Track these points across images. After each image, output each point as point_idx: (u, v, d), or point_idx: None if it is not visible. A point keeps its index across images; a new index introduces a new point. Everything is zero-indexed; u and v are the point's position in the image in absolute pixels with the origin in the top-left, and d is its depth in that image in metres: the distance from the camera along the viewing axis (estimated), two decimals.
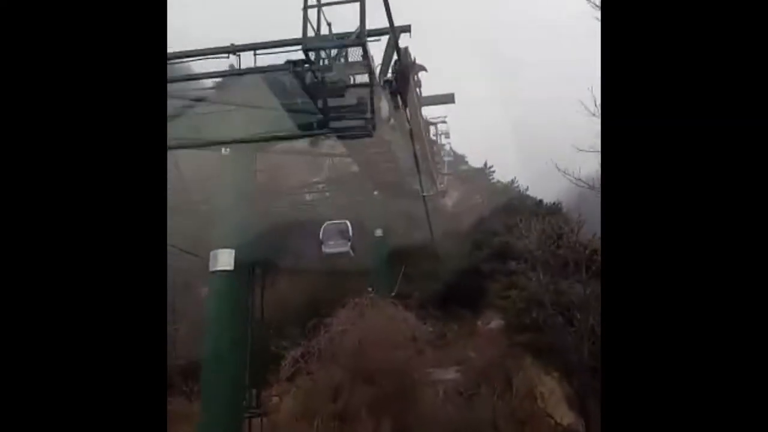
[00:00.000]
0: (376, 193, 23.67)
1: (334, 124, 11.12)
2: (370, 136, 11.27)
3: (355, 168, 21.00)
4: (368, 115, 10.63)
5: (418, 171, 15.51)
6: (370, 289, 22.99)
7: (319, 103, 10.66)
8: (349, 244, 17.21)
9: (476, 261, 24.47)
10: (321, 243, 17.01)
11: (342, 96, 10.41)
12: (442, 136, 25.32)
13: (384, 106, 11.79)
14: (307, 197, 23.56)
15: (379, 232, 23.48)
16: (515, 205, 29.71)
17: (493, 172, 36.73)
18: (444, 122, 23.35)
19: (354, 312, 16.63)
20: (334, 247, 17.11)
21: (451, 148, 28.66)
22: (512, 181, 34.81)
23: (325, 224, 17.42)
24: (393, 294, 23.29)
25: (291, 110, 11.17)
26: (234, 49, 11.28)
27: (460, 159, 36.57)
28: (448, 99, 18.99)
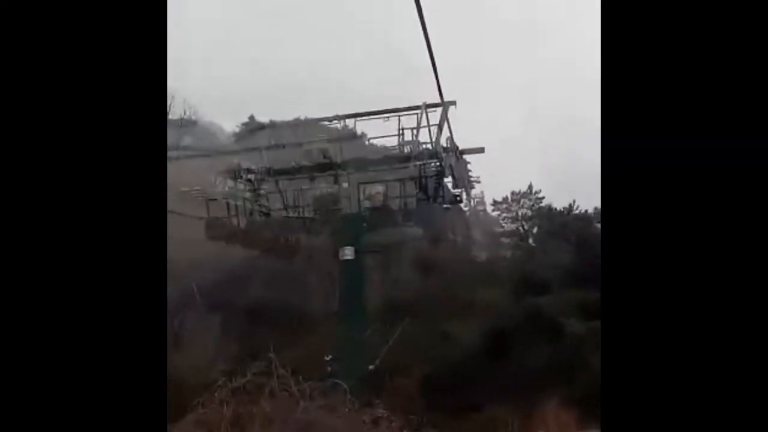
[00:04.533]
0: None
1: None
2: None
3: None
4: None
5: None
6: (327, 358, 12.51)
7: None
8: None
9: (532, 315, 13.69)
10: None
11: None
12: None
13: None
14: None
15: (348, 253, 12.70)
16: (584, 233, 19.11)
17: (542, 198, 26.01)
18: (479, 181, 20.46)
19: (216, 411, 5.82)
20: None
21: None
22: (571, 207, 23.94)
23: None
24: (371, 368, 12.56)
25: None
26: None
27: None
28: (477, 150, 15.12)
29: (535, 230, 25.15)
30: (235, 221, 12.80)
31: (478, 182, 22.98)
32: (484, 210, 28.04)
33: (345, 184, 13.20)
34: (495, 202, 26.66)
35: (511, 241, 25.61)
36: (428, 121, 12.92)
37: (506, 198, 26.48)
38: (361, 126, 14.24)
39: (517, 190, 26.38)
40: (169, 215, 3.65)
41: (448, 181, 14.88)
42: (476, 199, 26.14)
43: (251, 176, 12.71)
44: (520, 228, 25.44)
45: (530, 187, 26.42)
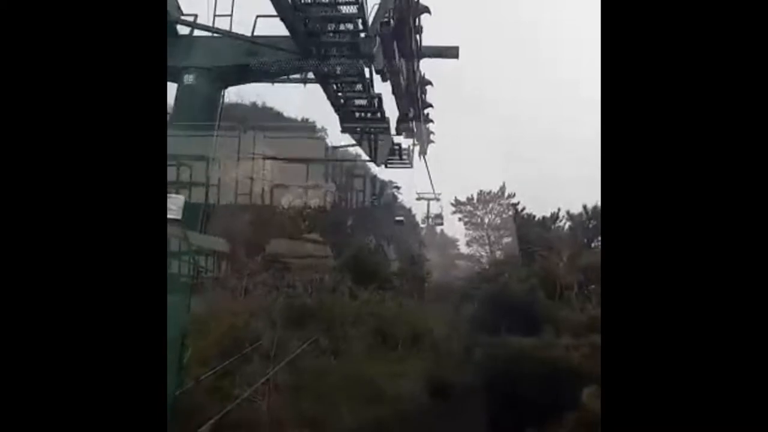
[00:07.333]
0: None
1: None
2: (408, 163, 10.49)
3: None
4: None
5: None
6: None
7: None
8: None
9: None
10: None
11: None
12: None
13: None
14: None
15: (172, 207, 6.45)
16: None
17: (516, 203, 20.45)
18: (437, 199, 18.05)
19: None
20: None
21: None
22: (555, 216, 18.46)
23: None
24: None
25: None
26: None
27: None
28: (451, 53, 10.46)
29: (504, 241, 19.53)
30: None
31: (438, 199, 18.13)
32: (442, 223, 22.25)
33: (189, 77, 7.12)
34: (457, 202, 20.94)
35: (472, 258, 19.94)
36: None
37: (471, 198, 20.84)
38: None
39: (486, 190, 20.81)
40: None
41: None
42: (432, 217, 20.45)
43: None
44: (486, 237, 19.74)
45: (502, 188, 20.95)
